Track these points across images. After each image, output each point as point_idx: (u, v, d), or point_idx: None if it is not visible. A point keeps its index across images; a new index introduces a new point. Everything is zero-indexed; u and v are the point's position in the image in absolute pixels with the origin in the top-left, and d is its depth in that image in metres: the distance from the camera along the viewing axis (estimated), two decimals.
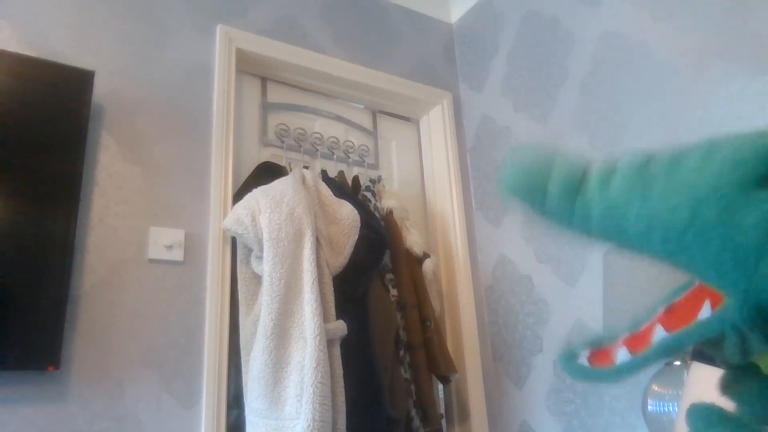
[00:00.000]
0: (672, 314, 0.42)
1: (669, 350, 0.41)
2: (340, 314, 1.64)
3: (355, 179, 2.15)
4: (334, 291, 1.66)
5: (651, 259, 0.40)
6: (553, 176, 0.41)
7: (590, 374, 0.44)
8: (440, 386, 2.14)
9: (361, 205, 1.91)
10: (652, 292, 1.33)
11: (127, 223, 1.63)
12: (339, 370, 1.55)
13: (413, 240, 2.06)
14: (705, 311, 0.39)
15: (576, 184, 0.40)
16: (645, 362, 0.42)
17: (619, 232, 0.39)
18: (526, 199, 0.42)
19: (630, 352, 0.42)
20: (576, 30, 2.04)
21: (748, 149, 0.36)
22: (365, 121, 2.42)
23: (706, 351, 0.49)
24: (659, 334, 0.41)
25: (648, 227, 0.37)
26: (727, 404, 0.46)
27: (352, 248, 1.75)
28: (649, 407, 1.40)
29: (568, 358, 0.46)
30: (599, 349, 0.45)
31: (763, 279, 0.34)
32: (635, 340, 0.43)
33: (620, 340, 0.44)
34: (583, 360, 0.45)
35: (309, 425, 1.40)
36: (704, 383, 0.65)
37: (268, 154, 2.05)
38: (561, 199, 0.40)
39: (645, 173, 0.39)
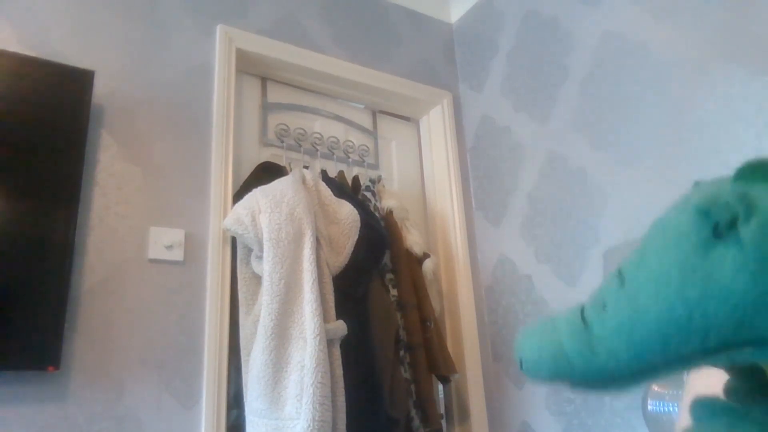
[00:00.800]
0: None
1: None
2: (340, 314, 1.64)
3: (355, 179, 2.15)
4: (334, 291, 1.66)
5: (690, 362, 0.40)
6: (563, 340, 0.43)
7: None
8: (440, 386, 2.14)
9: (361, 205, 1.91)
10: None
11: (127, 223, 1.63)
12: (339, 370, 1.55)
13: (413, 240, 2.06)
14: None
15: (583, 332, 0.42)
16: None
17: (643, 345, 0.40)
18: (557, 374, 0.44)
19: None
20: (576, 30, 2.04)
21: (686, 215, 0.39)
22: (365, 121, 2.42)
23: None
24: None
25: (660, 331, 0.39)
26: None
27: (352, 248, 1.75)
28: (649, 407, 1.40)
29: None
30: None
31: None
32: None
33: None
34: None
35: (309, 425, 1.40)
36: (704, 383, 0.65)
37: (268, 154, 2.05)
38: (582, 355, 0.42)
39: (624, 287, 0.41)
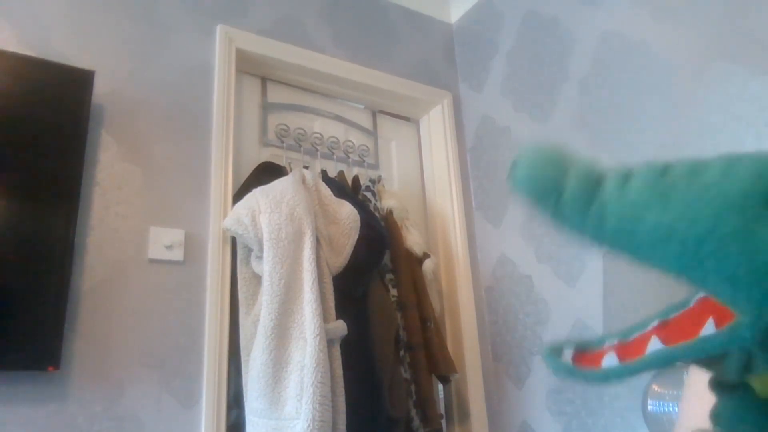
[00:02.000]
0: (669, 329, 0.41)
1: (665, 361, 0.41)
2: (340, 314, 1.64)
3: (355, 179, 2.15)
4: (334, 291, 1.66)
5: (663, 272, 0.38)
6: (569, 175, 0.39)
7: (575, 373, 0.43)
8: (440, 386, 2.14)
9: (361, 205, 1.91)
10: (651, 293, 1.33)
11: (127, 223, 1.63)
12: (339, 370, 1.55)
13: (413, 240, 2.06)
14: (708, 328, 0.38)
15: (593, 186, 0.39)
16: (637, 370, 0.41)
17: (633, 241, 0.38)
18: (539, 198, 0.41)
19: (619, 359, 0.42)
20: (576, 30, 2.04)
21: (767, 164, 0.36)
22: (365, 121, 2.42)
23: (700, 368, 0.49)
24: (655, 345, 0.40)
25: (665, 237, 0.36)
26: (708, 408, 0.45)
27: (352, 248, 1.74)
28: (649, 407, 1.40)
29: (554, 353, 0.44)
30: (584, 353, 0.44)
31: None
32: (625, 349, 0.42)
33: (607, 347, 0.43)
34: (568, 359, 0.44)
35: (309, 425, 1.40)
36: (704, 384, 0.65)
37: (268, 154, 2.05)
38: (576, 200, 0.39)
39: (664, 180, 0.38)
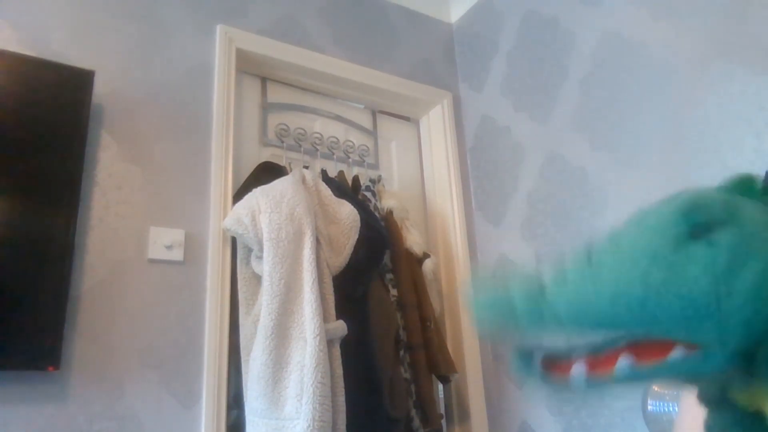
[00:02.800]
0: (639, 348, 0.43)
1: (636, 379, 0.42)
2: (340, 314, 1.64)
3: (355, 179, 2.15)
4: (334, 291, 1.66)
5: (629, 332, 0.42)
6: (514, 298, 0.44)
7: (543, 378, 0.45)
8: (440, 386, 2.14)
9: (361, 205, 1.91)
10: None
11: (127, 223, 1.63)
12: (339, 370, 1.55)
13: (413, 240, 2.06)
14: (677, 352, 0.40)
15: (537, 296, 0.43)
16: (608, 384, 0.44)
17: (591, 321, 0.42)
18: (501, 324, 0.46)
19: (588, 371, 0.43)
20: (576, 30, 2.04)
21: (667, 215, 0.40)
22: (365, 121, 2.42)
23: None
24: (625, 362, 0.42)
25: (612, 309, 0.40)
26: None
27: (352, 248, 1.75)
28: (649, 407, 1.40)
29: (524, 356, 0.46)
30: (554, 360, 0.46)
31: (732, 317, 0.36)
32: (595, 362, 0.44)
33: (576, 358, 0.45)
34: (537, 364, 0.46)
35: (309, 425, 1.40)
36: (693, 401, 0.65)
37: (268, 154, 2.05)
38: (529, 313, 0.43)
39: (592, 264, 0.42)
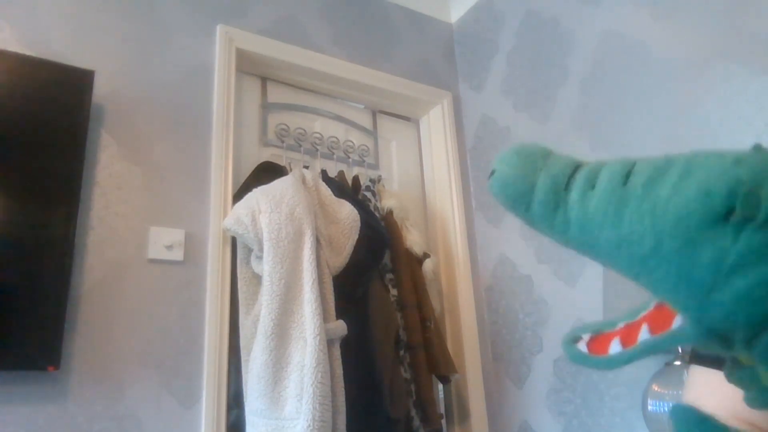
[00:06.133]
0: (659, 314, 0.45)
1: (650, 351, 0.44)
2: (340, 314, 1.64)
3: (355, 179, 2.15)
4: (334, 291, 1.66)
5: (619, 273, 0.43)
6: (539, 182, 0.44)
7: (587, 360, 0.47)
8: (440, 386, 2.14)
9: (361, 205, 1.91)
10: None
11: (127, 223, 1.63)
12: (339, 370, 1.55)
13: (413, 240, 2.06)
14: (678, 320, 0.42)
15: (560, 192, 0.43)
16: (631, 358, 0.45)
17: (592, 247, 0.42)
18: (511, 204, 0.46)
19: (622, 344, 0.45)
20: (576, 30, 2.04)
21: (717, 182, 0.39)
22: (365, 121, 2.42)
23: (702, 351, 0.52)
24: (644, 333, 0.44)
25: (617, 248, 0.40)
26: (709, 408, 0.50)
27: (352, 248, 1.74)
28: (649, 407, 1.40)
29: (571, 341, 0.49)
30: (599, 335, 0.48)
31: (713, 309, 0.37)
32: (627, 333, 0.46)
33: (617, 329, 0.47)
34: (583, 346, 0.48)
35: (309, 425, 1.40)
36: (702, 385, 0.65)
37: (268, 154, 2.05)
38: (544, 206, 0.43)
39: (621, 192, 0.41)
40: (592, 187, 0.42)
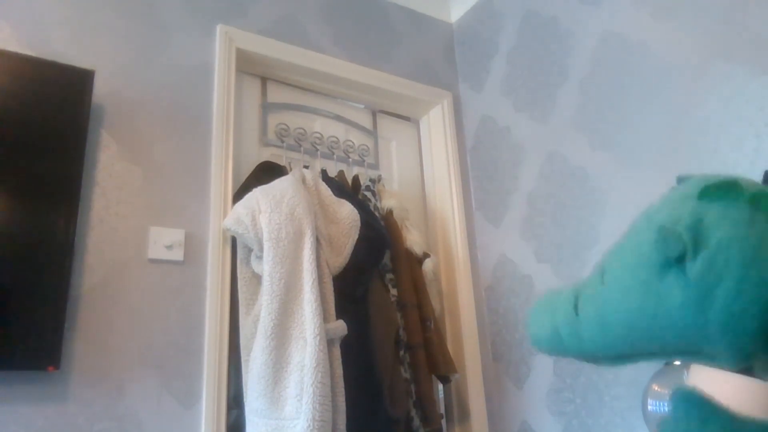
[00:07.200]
0: None
1: None
2: (340, 314, 1.64)
3: (355, 179, 2.15)
4: (334, 291, 1.66)
5: (649, 360, 0.51)
6: (560, 326, 0.52)
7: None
8: (440, 386, 2.14)
9: (361, 205, 1.91)
10: None
11: (127, 223, 1.63)
12: (339, 370, 1.55)
13: (413, 240, 2.06)
14: None
15: (572, 318, 0.51)
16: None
17: (609, 340, 0.49)
18: (554, 351, 0.55)
19: None
20: (576, 30, 2.04)
21: (647, 239, 0.45)
22: (365, 121, 2.42)
23: None
24: None
25: (627, 332, 0.47)
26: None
27: (352, 248, 1.74)
28: (649, 407, 1.40)
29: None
30: None
31: (722, 338, 0.41)
32: None
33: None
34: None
35: (309, 425, 1.40)
36: (703, 385, 0.65)
37: (268, 154, 2.05)
38: (570, 335, 0.52)
39: (603, 282, 0.49)
40: (587, 300, 0.51)
